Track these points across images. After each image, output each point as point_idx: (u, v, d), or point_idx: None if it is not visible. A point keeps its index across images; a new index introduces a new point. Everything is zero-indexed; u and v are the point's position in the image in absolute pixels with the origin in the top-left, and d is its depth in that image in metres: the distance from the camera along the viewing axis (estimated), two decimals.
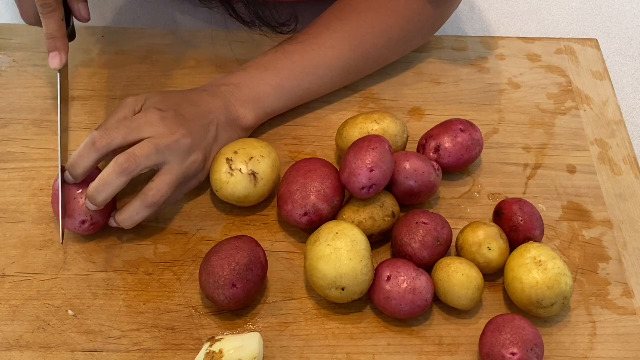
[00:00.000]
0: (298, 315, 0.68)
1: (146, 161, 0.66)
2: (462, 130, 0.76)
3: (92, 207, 0.67)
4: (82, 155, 0.67)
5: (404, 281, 0.65)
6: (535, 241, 0.70)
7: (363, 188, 0.68)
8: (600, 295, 0.71)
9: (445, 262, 0.68)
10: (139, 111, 0.71)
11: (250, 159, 0.71)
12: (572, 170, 0.80)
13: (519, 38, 0.92)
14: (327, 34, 0.80)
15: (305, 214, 0.70)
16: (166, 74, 0.85)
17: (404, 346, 0.67)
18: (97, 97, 0.82)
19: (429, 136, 0.77)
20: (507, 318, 0.64)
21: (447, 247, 0.70)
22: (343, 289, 0.65)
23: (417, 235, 0.68)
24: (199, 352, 0.63)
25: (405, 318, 0.67)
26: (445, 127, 0.77)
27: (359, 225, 0.69)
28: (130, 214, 0.68)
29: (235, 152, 0.71)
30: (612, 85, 0.88)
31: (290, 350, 0.66)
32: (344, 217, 0.70)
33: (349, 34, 0.80)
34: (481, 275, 0.67)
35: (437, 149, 0.76)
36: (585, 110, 0.85)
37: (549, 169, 0.80)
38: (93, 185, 0.66)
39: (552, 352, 0.67)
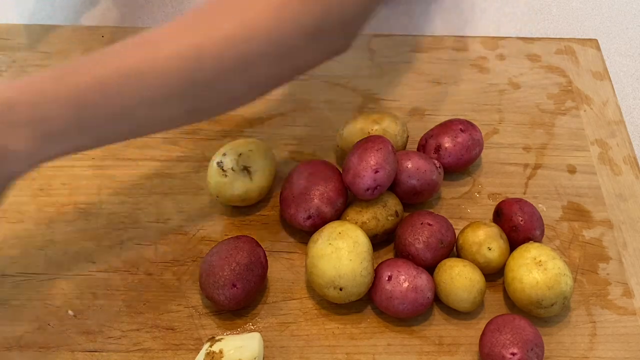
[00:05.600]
0: (298, 315, 0.68)
1: None
2: (462, 130, 0.76)
3: None
4: None
5: (404, 280, 0.65)
6: (535, 241, 0.70)
7: (368, 189, 0.68)
8: (600, 295, 0.71)
9: (448, 264, 0.67)
10: None
11: (239, 155, 0.71)
12: (572, 170, 0.80)
13: (519, 38, 0.92)
14: (166, 29, 0.57)
15: (309, 217, 0.69)
16: None
17: (404, 346, 0.67)
18: None
19: (429, 136, 0.77)
20: (507, 318, 0.64)
21: (449, 250, 0.69)
22: (341, 289, 0.65)
23: (422, 236, 0.68)
24: (199, 352, 0.63)
25: (407, 317, 0.67)
26: (445, 127, 0.77)
27: (362, 225, 0.69)
28: None
29: (224, 154, 0.71)
30: (612, 85, 0.88)
31: (290, 350, 0.66)
32: (347, 218, 0.70)
33: (195, 24, 0.57)
34: (484, 279, 0.67)
35: (437, 149, 0.75)
36: (585, 110, 0.85)
37: (549, 169, 0.80)
38: None
39: (552, 352, 0.67)
